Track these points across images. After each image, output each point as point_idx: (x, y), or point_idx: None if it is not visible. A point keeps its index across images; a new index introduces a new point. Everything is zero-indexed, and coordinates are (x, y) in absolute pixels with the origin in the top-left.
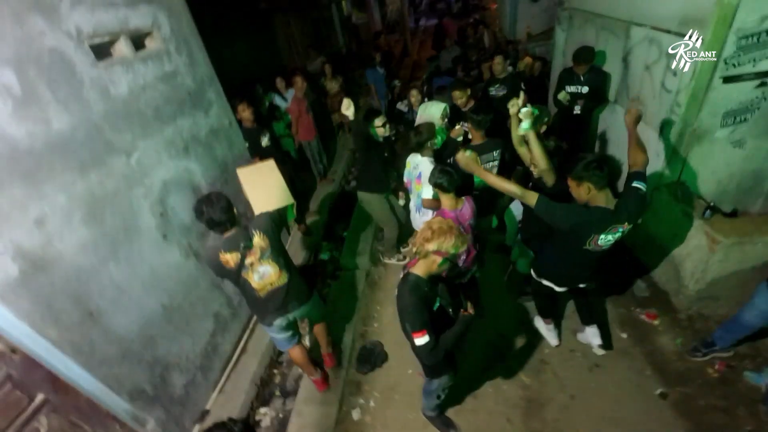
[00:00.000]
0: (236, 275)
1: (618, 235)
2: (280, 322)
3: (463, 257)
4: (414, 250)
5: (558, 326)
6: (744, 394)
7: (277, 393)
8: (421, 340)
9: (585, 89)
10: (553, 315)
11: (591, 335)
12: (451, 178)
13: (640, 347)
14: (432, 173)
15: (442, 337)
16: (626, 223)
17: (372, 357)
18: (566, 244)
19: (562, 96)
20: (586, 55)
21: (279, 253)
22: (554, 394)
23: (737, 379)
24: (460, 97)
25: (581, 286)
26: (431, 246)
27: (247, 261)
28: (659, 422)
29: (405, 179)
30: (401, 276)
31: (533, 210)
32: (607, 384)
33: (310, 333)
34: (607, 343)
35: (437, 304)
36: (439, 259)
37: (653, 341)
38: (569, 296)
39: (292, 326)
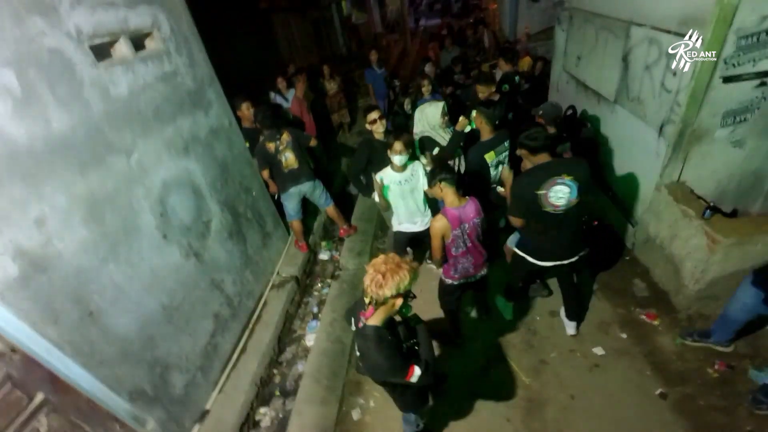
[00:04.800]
0: (274, 157)
1: (568, 191)
2: (293, 189)
3: (470, 268)
4: (367, 300)
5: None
6: (744, 394)
7: (277, 393)
8: (415, 375)
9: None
10: (516, 298)
11: (569, 327)
12: (451, 170)
13: (640, 347)
14: (434, 172)
15: (423, 357)
16: (566, 175)
17: None
18: (528, 211)
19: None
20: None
21: (296, 148)
22: (554, 394)
23: (737, 379)
24: (482, 92)
25: (564, 262)
26: (388, 291)
27: (280, 147)
28: (659, 422)
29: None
30: (356, 330)
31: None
32: (607, 384)
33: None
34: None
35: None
36: (399, 301)
37: (653, 341)
38: (557, 275)
39: (300, 201)
